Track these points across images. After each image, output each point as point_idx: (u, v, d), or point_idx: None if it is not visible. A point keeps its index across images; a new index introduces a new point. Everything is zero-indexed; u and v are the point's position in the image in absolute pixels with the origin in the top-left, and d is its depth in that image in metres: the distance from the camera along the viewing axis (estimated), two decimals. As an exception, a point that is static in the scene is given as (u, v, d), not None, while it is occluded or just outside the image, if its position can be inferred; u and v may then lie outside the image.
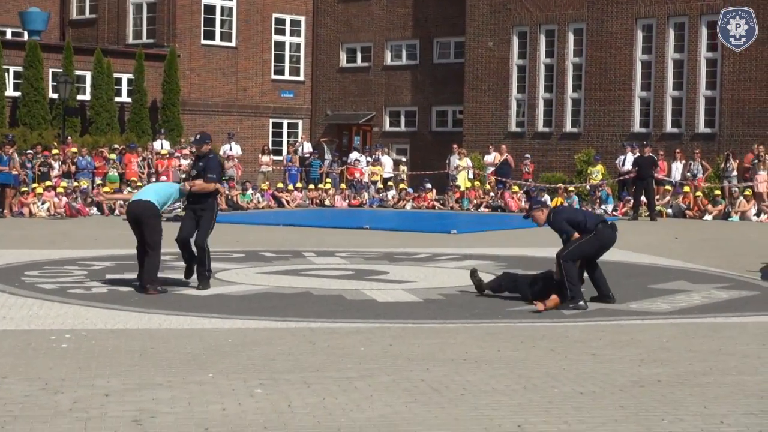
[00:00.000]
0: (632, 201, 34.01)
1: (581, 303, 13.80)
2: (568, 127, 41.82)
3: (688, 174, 36.29)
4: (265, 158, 42.25)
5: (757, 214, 33.70)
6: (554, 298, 13.77)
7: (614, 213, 35.15)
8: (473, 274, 15.01)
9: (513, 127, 42.61)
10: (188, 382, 9.25)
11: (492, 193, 38.38)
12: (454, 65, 45.43)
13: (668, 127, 39.89)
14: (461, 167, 39.73)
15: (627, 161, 36.04)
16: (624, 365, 10.25)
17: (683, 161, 36.83)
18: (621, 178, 36.90)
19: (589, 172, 38.52)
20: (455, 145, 41.04)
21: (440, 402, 8.62)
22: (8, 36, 44.56)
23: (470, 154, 40.97)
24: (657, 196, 34.24)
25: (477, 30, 43.45)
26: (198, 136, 15.96)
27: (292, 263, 19.46)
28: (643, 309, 14.16)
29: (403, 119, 47.75)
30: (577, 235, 14.01)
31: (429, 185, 39.74)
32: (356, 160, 42.34)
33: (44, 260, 19.08)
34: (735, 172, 35.78)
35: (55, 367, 9.76)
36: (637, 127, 40.36)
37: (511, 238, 26.03)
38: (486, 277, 15.37)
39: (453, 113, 46.11)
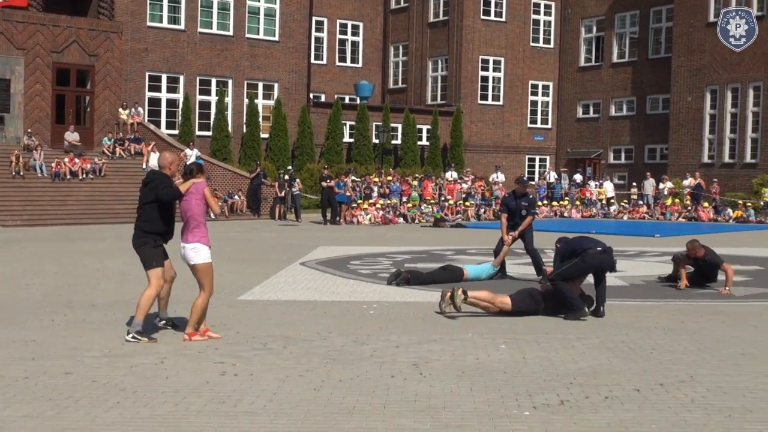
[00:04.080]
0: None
1: (584, 311, 10.88)
2: (748, 159, 39.67)
3: None
4: (521, 183, 41.91)
5: None
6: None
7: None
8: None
9: (705, 159, 40.84)
10: (454, 339, 9.31)
11: (689, 207, 36.96)
12: (662, 115, 44.02)
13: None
14: (666, 189, 38.59)
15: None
16: (779, 335, 9.66)
17: None
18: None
19: (762, 191, 36.60)
20: (648, 173, 40.64)
21: (634, 358, 8.37)
22: (346, 101, 45.81)
23: (672, 179, 39.66)
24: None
25: (679, 89, 41.93)
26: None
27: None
28: (798, 294, 13.26)
29: (623, 154, 46.54)
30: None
31: (641, 201, 38.82)
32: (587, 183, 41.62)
33: (364, 253, 19.53)
34: None
35: (363, 327, 10.00)
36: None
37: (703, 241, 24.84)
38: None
39: (660, 149, 44.64)
